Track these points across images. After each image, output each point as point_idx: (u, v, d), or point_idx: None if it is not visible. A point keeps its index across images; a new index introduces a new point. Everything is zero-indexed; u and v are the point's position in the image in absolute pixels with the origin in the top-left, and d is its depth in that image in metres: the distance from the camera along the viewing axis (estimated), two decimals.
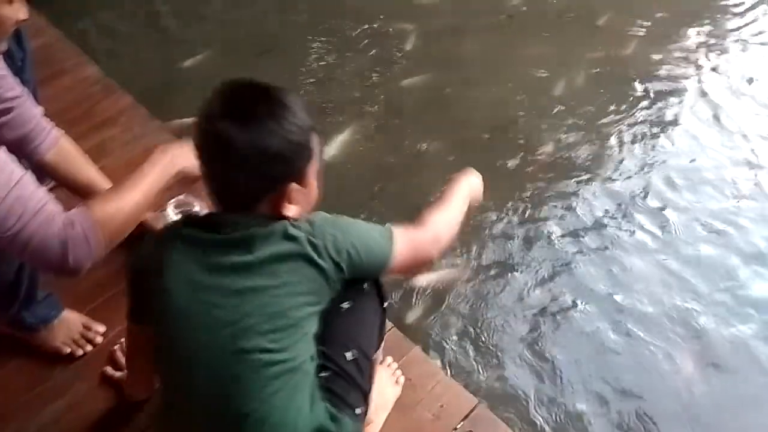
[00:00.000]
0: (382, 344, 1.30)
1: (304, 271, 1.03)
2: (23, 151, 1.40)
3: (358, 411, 1.14)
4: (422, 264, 1.24)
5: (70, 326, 1.53)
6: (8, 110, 1.37)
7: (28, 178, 1.08)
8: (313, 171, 1.07)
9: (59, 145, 1.47)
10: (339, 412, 1.09)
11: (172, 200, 1.62)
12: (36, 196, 1.07)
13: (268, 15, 3.39)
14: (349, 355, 1.14)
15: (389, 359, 1.54)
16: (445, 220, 1.27)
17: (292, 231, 1.02)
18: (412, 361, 1.57)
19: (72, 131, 1.57)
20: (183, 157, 1.25)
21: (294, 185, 1.03)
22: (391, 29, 3.24)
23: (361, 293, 1.16)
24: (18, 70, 1.54)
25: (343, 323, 1.13)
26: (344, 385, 1.13)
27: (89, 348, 1.54)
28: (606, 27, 3.29)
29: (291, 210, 1.04)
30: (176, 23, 3.41)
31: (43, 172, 1.45)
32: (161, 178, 1.23)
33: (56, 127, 1.49)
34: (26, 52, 1.63)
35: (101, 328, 1.57)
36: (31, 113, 1.42)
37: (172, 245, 1.05)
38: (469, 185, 1.39)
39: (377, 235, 1.14)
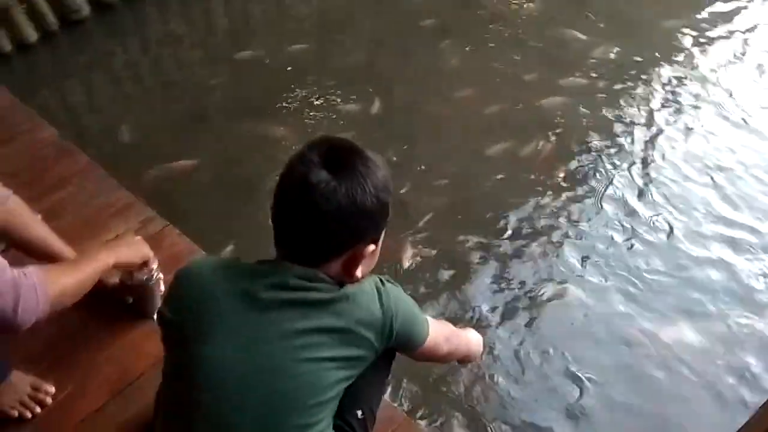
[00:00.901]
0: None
1: (363, 346, 1.05)
2: None
3: None
4: (435, 359, 1.32)
5: (18, 388, 1.48)
6: None
7: None
8: (382, 235, 1.09)
9: (8, 205, 1.47)
10: None
11: None
12: None
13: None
14: (359, 414, 1.19)
15: None
16: (457, 338, 1.35)
17: (371, 314, 1.04)
18: None
19: (26, 193, 1.57)
20: (123, 251, 1.45)
21: (371, 246, 1.04)
22: None
23: (379, 357, 1.16)
24: None
25: (359, 383, 1.12)
26: None
27: (38, 410, 1.49)
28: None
29: (359, 271, 1.05)
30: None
31: None
32: (106, 262, 1.39)
33: (5, 187, 1.49)
34: None
35: (51, 389, 1.52)
36: None
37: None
38: (473, 339, 1.45)
39: (420, 316, 1.19)
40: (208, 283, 1.03)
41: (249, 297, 1.00)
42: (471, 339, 1.44)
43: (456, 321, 2.16)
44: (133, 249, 1.52)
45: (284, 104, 3.16)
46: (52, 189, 2.09)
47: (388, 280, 1.14)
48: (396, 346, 1.15)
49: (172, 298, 1.09)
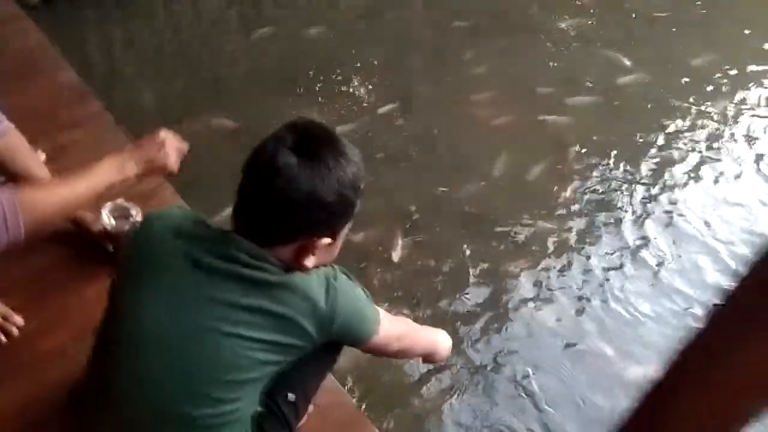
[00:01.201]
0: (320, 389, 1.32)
1: (298, 335, 1.03)
2: None
3: None
4: (384, 355, 1.30)
5: None
6: None
7: None
8: (345, 229, 1.09)
9: (6, 138, 1.51)
10: None
11: (108, 204, 1.63)
12: None
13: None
14: (290, 397, 1.17)
15: None
16: (412, 337, 1.33)
17: (313, 306, 1.02)
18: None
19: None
20: (129, 166, 1.25)
21: (326, 239, 1.03)
22: None
23: (323, 346, 1.15)
24: None
25: (296, 368, 1.12)
26: (276, 425, 1.16)
27: (3, 339, 1.53)
28: None
29: (311, 261, 1.04)
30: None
31: None
32: (103, 180, 1.22)
33: (8, 121, 1.53)
34: None
35: (20, 321, 1.57)
36: None
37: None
38: (438, 339, 1.42)
39: (370, 314, 1.16)
40: (163, 237, 1.04)
41: (196, 261, 1.00)
42: (437, 339, 1.42)
43: (434, 319, 2.17)
44: (144, 159, 1.28)
45: (304, 87, 3.19)
46: (61, 130, 2.14)
47: (343, 272, 1.13)
48: (339, 339, 1.14)
49: (129, 244, 1.12)
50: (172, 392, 1.02)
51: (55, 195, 1.18)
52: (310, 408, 1.46)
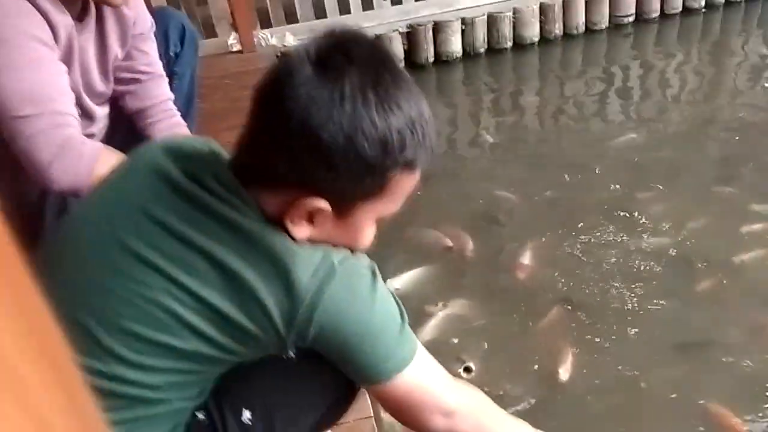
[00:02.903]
0: None
1: (254, 317, 0.74)
2: (138, 123, 1.56)
3: None
4: (408, 421, 0.87)
5: None
6: (135, 80, 1.53)
7: (65, 82, 1.21)
8: (369, 210, 0.77)
9: (173, 133, 1.54)
10: None
11: None
12: (65, 100, 1.18)
13: None
14: (245, 415, 0.83)
15: None
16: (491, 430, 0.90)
17: (287, 284, 0.72)
18: None
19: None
20: None
21: (323, 204, 0.73)
22: None
23: (326, 362, 0.83)
24: (169, 59, 1.73)
25: (268, 372, 0.83)
26: None
27: None
28: None
29: (301, 230, 0.75)
30: None
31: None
32: None
33: (181, 117, 1.60)
34: (186, 49, 1.77)
35: None
36: (156, 92, 1.56)
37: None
38: None
39: (392, 340, 0.80)
40: (150, 154, 0.82)
41: (165, 174, 0.77)
42: None
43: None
44: None
45: None
46: None
47: (372, 270, 0.79)
48: (329, 358, 0.80)
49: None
50: (74, 312, 0.74)
51: None
52: None
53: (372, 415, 1.33)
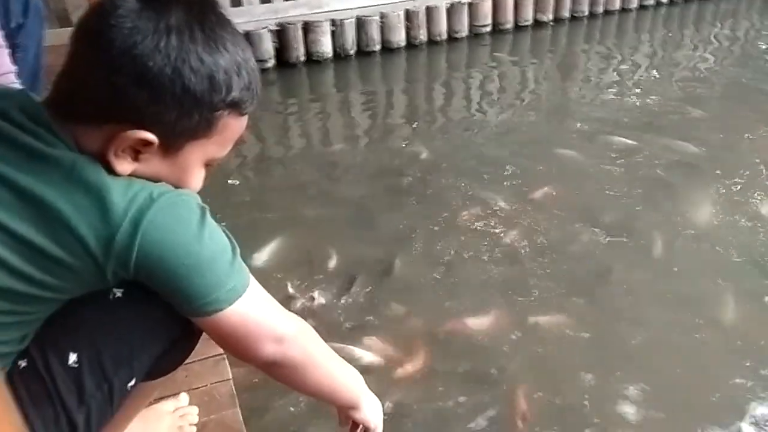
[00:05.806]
0: (163, 377, 0.93)
1: (68, 247, 0.70)
2: None
3: None
4: (237, 352, 0.84)
5: None
6: None
7: None
8: (197, 150, 0.77)
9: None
10: None
11: None
12: None
13: None
14: (71, 359, 0.77)
15: (183, 402, 1.24)
16: (317, 356, 0.91)
17: (104, 210, 0.70)
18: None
19: None
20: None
21: (149, 136, 0.72)
22: None
23: (158, 297, 0.79)
24: (11, 31, 1.64)
25: (95, 312, 0.78)
26: (37, 393, 0.77)
27: None
28: None
29: (124, 165, 0.73)
30: None
31: None
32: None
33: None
34: (29, 21, 1.71)
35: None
36: None
37: None
38: (363, 397, 0.99)
39: (222, 269, 0.77)
40: None
41: None
42: (358, 387, 0.98)
43: None
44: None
45: None
46: None
47: (201, 207, 0.77)
48: (154, 288, 0.76)
49: None
50: None
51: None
52: (172, 422, 1.17)
53: (231, 377, 1.34)
